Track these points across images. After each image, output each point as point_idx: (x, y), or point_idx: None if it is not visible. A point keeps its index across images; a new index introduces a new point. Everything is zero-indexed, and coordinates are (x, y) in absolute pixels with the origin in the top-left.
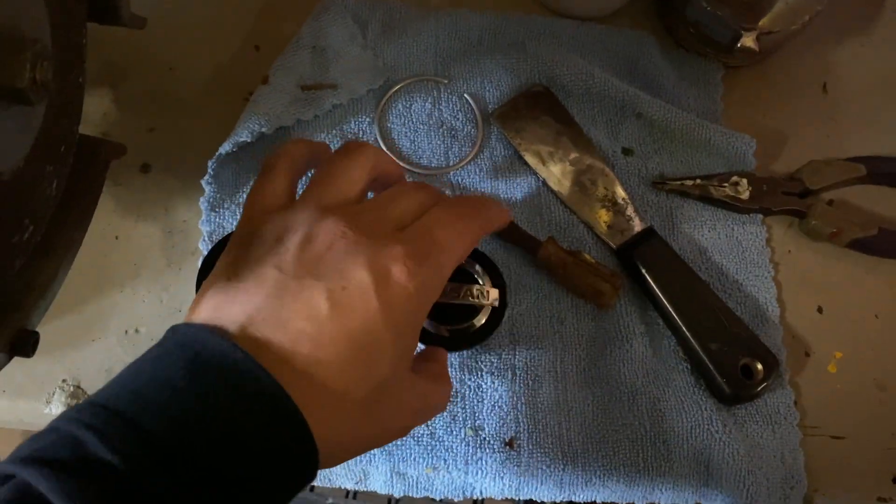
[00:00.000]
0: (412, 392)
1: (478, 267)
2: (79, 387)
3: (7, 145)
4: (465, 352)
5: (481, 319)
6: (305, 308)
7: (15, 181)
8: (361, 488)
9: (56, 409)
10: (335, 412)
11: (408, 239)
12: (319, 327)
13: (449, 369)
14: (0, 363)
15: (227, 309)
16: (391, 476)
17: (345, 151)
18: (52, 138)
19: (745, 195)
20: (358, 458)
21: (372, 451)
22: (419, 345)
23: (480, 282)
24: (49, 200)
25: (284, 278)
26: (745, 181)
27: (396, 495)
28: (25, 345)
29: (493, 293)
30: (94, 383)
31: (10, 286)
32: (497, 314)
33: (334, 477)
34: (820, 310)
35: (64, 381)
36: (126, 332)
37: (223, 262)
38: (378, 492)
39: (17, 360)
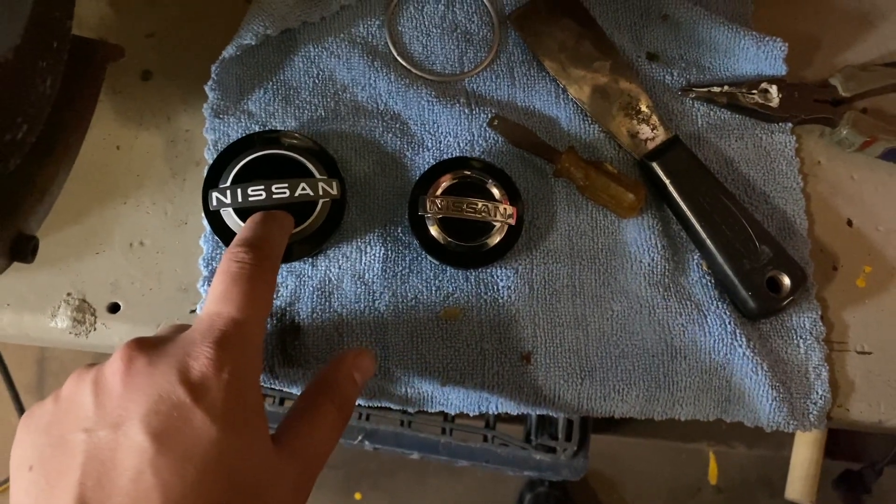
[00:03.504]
0: (282, 476)
1: (493, 183)
2: (84, 300)
3: None
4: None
5: (496, 237)
6: (129, 454)
7: (5, 73)
8: (375, 404)
9: (62, 322)
10: None
11: (197, 332)
12: (152, 467)
13: (456, 284)
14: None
15: (50, 495)
16: (406, 390)
17: None
18: (43, 31)
19: (775, 103)
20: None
21: (386, 367)
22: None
23: (497, 198)
24: (43, 99)
25: (94, 436)
26: (774, 88)
27: (411, 410)
28: (24, 249)
29: (509, 210)
30: (98, 296)
31: (6, 187)
32: (513, 232)
33: None
34: (850, 223)
35: (69, 294)
36: (131, 244)
37: (29, 448)
38: (392, 407)
39: (21, 274)
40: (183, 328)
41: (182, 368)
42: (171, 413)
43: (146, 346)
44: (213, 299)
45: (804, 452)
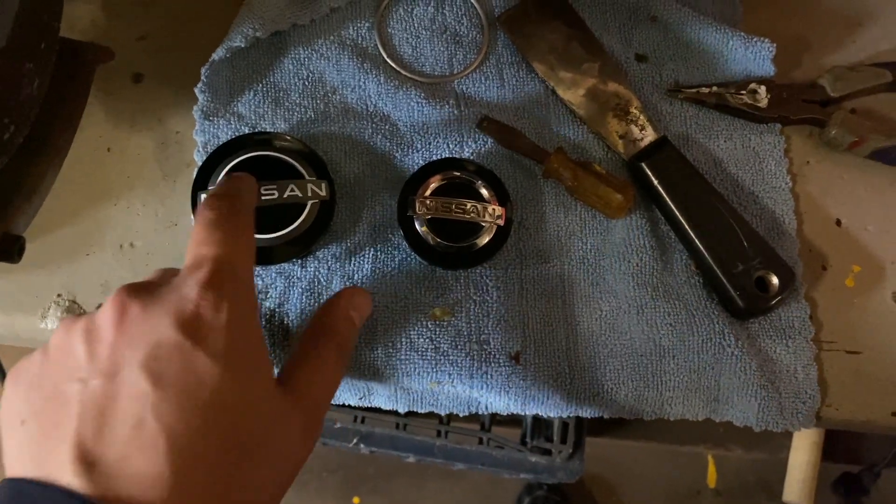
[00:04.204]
0: (289, 418)
1: (482, 184)
2: (74, 301)
3: None
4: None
5: (485, 238)
6: (129, 402)
7: None
8: (365, 404)
9: (52, 323)
10: None
11: (186, 277)
12: (154, 413)
13: (452, 287)
14: None
15: (47, 448)
16: (395, 391)
17: None
18: (30, 33)
19: (764, 103)
20: (361, 373)
21: (375, 367)
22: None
23: (486, 199)
24: (31, 101)
25: (89, 385)
26: (763, 89)
27: (401, 410)
28: (10, 249)
29: (498, 211)
30: (89, 297)
31: None
32: (502, 232)
33: (337, 393)
34: (839, 223)
35: (59, 295)
36: (121, 246)
37: (20, 402)
38: (382, 407)
39: (12, 275)
40: (171, 272)
41: (178, 311)
42: (171, 357)
43: (138, 292)
44: (195, 244)
45: (802, 455)
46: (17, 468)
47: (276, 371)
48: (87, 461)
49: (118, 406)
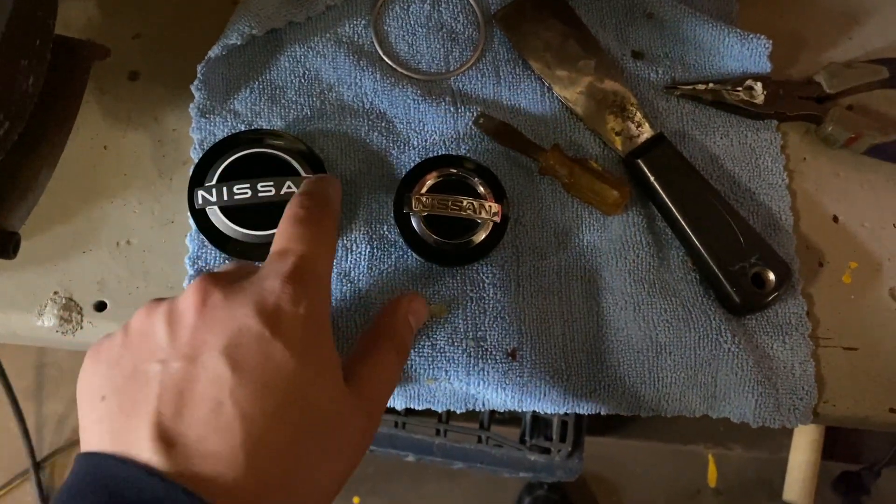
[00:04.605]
0: (353, 415)
1: (479, 181)
2: (71, 299)
3: None
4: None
5: (481, 234)
6: (208, 385)
7: None
8: None
9: (48, 321)
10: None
11: (269, 269)
12: (232, 397)
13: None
14: None
15: (126, 425)
16: None
17: None
18: (25, 30)
19: (760, 100)
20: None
21: None
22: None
23: (482, 196)
24: (26, 98)
25: (169, 367)
26: (759, 85)
27: (398, 407)
28: (6, 246)
29: (494, 207)
30: (86, 295)
31: None
32: (499, 229)
33: None
34: (835, 219)
35: (56, 293)
36: (118, 243)
37: (100, 378)
38: None
39: (8, 273)
40: (249, 265)
41: (260, 302)
42: (250, 345)
43: (221, 281)
44: (282, 239)
45: (802, 454)
46: (94, 443)
47: None
48: (166, 439)
49: (197, 388)
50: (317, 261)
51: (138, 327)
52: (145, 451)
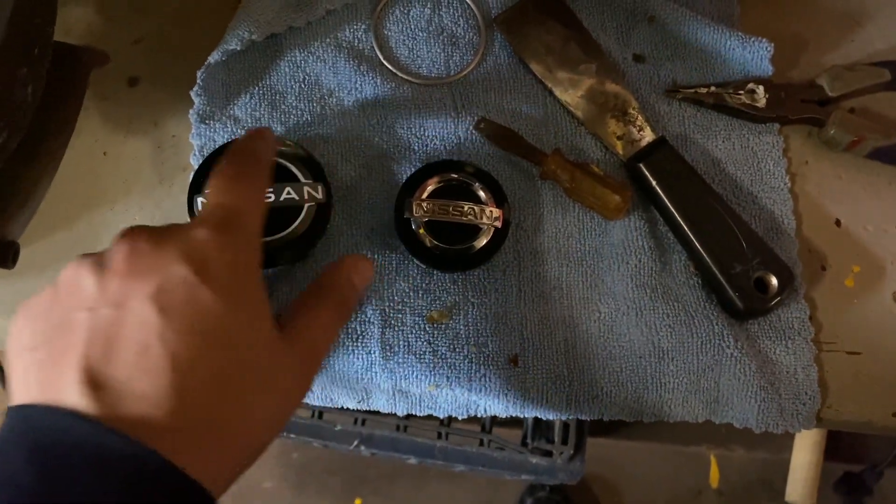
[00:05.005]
0: (283, 356)
1: (480, 186)
2: None
3: None
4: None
5: (483, 240)
6: (136, 329)
7: None
8: (364, 407)
9: None
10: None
11: (198, 220)
12: (160, 339)
13: (445, 287)
14: None
15: (54, 372)
16: (394, 394)
17: None
18: (23, 38)
19: (762, 103)
20: (359, 376)
21: (373, 370)
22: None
23: (483, 201)
24: (25, 106)
25: (98, 313)
26: (761, 88)
27: (400, 413)
28: (5, 255)
29: (496, 213)
30: None
31: None
32: (500, 234)
33: (336, 396)
34: (838, 223)
35: None
36: None
37: (29, 332)
38: (381, 410)
39: (7, 281)
40: (177, 224)
41: (187, 250)
42: (177, 290)
43: (148, 231)
44: (210, 195)
45: (804, 455)
46: (23, 395)
47: None
48: (94, 383)
49: (125, 332)
50: (244, 213)
51: (67, 279)
52: (73, 395)
